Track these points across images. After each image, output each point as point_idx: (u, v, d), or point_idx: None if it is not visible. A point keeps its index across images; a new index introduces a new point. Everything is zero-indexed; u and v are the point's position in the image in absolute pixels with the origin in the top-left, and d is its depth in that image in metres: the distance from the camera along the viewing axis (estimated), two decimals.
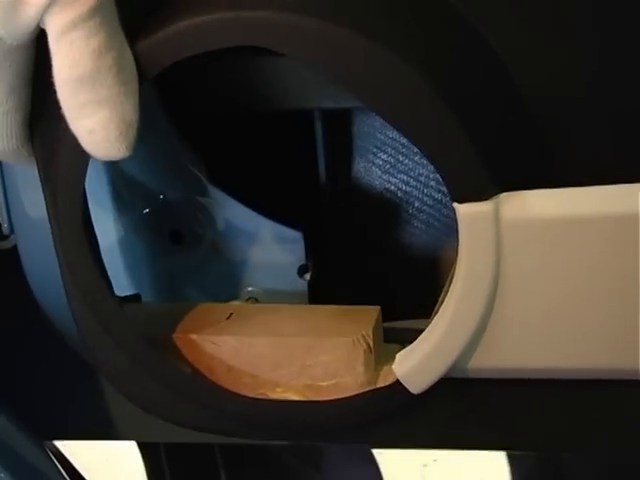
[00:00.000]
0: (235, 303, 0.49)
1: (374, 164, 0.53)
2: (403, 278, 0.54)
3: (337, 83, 0.34)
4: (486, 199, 0.35)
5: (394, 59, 0.33)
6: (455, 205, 0.35)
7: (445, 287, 0.39)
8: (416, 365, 0.39)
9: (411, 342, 0.41)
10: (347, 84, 0.34)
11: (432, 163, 0.35)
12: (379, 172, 0.53)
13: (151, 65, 0.36)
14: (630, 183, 0.34)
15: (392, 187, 0.53)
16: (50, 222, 0.41)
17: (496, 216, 0.35)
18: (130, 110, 0.34)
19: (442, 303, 0.38)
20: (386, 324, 0.46)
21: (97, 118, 0.33)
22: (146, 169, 0.48)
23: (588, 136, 0.35)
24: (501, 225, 0.35)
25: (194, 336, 0.44)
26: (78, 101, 0.33)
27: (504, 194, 0.35)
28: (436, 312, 0.39)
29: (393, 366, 0.40)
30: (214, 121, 0.51)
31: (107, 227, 0.49)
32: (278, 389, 0.43)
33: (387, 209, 0.54)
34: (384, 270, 0.54)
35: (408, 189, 0.53)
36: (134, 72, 0.35)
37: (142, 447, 0.74)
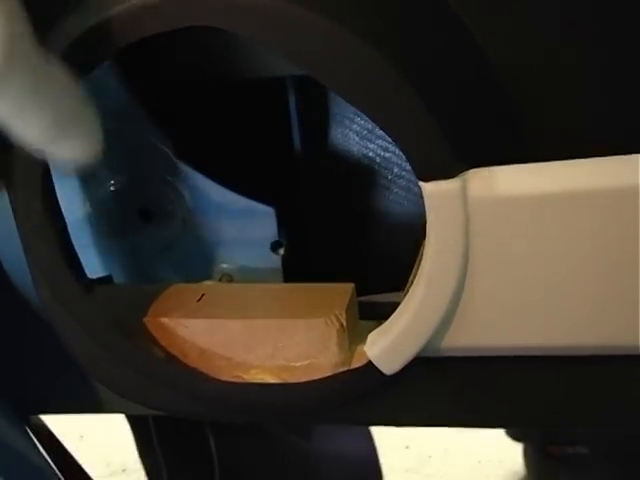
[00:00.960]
0: (207, 283, 0.47)
1: (351, 130, 0.52)
2: (383, 246, 0.53)
3: (293, 63, 0.33)
4: (453, 177, 0.33)
5: (351, 37, 0.32)
6: (421, 184, 0.34)
7: (415, 266, 0.38)
8: (387, 346, 0.38)
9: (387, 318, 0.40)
10: (303, 64, 0.33)
11: (395, 141, 0.33)
12: (356, 138, 0.52)
13: (105, 46, 0.34)
14: (603, 157, 0.33)
15: (370, 153, 0.52)
16: (10, 202, 0.40)
17: (463, 194, 0.34)
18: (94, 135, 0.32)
19: (412, 283, 0.37)
20: (363, 298, 0.45)
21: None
22: (112, 146, 0.47)
23: (558, 109, 0.33)
24: (469, 203, 0.34)
25: (165, 319, 0.43)
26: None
27: (472, 171, 0.34)
28: (407, 292, 0.38)
29: (365, 347, 0.39)
30: (181, 94, 0.49)
31: (74, 205, 0.47)
32: (252, 371, 0.42)
33: (365, 176, 0.52)
34: (363, 239, 0.53)
35: (387, 155, 0.51)
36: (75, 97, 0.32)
37: (130, 418, 0.73)
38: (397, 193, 0.52)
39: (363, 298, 0.45)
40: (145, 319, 0.43)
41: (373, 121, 0.33)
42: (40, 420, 0.56)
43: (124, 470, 1.24)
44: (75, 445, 1.27)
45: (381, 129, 0.33)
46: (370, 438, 0.84)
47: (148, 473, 0.82)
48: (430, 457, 1.13)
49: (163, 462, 0.76)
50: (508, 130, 0.34)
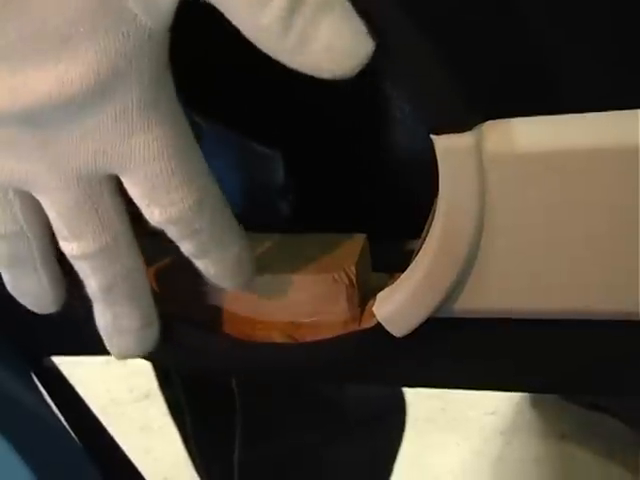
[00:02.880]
0: None
1: None
2: (401, 189, 0.50)
3: None
4: (467, 130, 0.30)
5: None
6: (432, 137, 0.31)
7: (428, 223, 0.35)
8: (397, 308, 0.36)
9: (403, 270, 0.37)
10: None
11: (401, 89, 0.30)
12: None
13: None
14: (632, 109, 0.29)
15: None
16: None
17: (479, 149, 0.30)
18: None
19: (424, 240, 0.35)
20: (378, 246, 0.43)
21: None
22: None
23: (587, 53, 0.30)
24: (485, 158, 0.31)
25: None
26: None
27: (488, 123, 0.31)
28: (419, 249, 0.35)
29: (373, 308, 0.37)
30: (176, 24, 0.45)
31: None
32: (258, 326, 0.40)
33: (379, 111, 0.49)
34: (378, 182, 0.50)
35: None
36: None
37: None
38: (414, 129, 0.49)
39: (378, 247, 0.43)
40: (147, 270, 0.41)
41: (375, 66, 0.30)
42: (52, 362, 0.55)
43: (147, 396, 1.25)
44: (99, 371, 1.29)
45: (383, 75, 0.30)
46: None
47: (168, 402, 0.82)
48: None
49: (184, 400, 0.75)
50: (528, 78, 0.30)
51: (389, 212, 0.49)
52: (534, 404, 1.05)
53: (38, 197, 0.33)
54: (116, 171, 0.32)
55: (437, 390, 1.12)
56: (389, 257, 0.42)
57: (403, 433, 0.84)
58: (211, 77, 0.47)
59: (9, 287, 0.37)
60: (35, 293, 0.37)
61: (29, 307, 0.38)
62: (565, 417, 1.04)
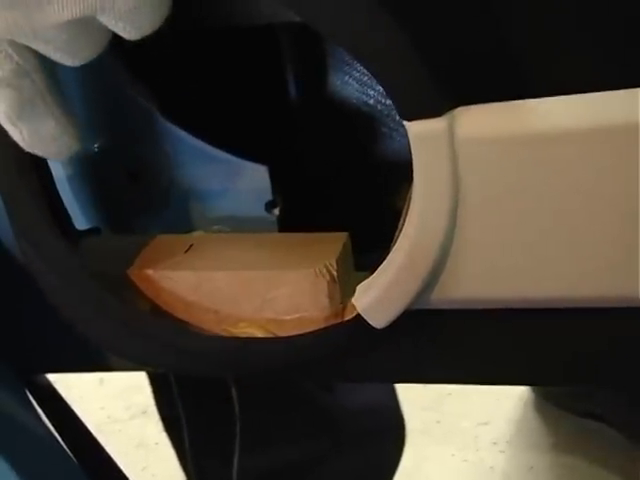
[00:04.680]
0: (196, 234, 0.45)
1: (351, 77, 0.49)
2: (387, 199, 0.50)
3: None
4: (439, 115, 0.31)
5: None
6: (405, 123, 0.31)
7: (403, 214, 0.36)
8: (376, 299, 0.36)
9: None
10: None
11: (374, 77, 0.31)
12: (356, 85, 0.49)
13: None
14: (603, 91, 0.30)
15: (371, 101, 0.49)
16: None
17: (451, 134, 0.31)
18: None
19: (400, 231, 0.35)
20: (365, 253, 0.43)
21: None
22: (92, 104, 0.44)
23: (556, 37, 0.30)
24: (457, 143, 0.31)
25: (150, 271, 0.41)
26: None
27: (460, 108, 0.31)
28: (395, 241, 0.36)
29: (353, 300, 0.37)
30: (163, 46, 0.46)
31: (54, 166, 0.44)
32: (241, 324, 0.41)
33: (366, 125, 0.49)
34: (365, 192, 0.50)
35: (388, 102, 0.48)
36: None
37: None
38: (400, 142, 0.49)
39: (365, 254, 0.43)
40: (130, 271, 0.41)
41: (350, 54, 0.31)
42: (47, 380, 0.55)
43: (144, 413, 1.24)
44: (95, 389, 1.28)
45: (357, 62, 0.31)
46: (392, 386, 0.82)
47: (164, 420, 0.81)
48: (450, 394, 1.12)
49: (183, 414, 0.75)
50: (499, 64, 0.31)
51: (376, 221, 0.49)
52: (528, 413, 1.05)
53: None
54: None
55: (431, 402, 1.12)
56: (372, 257, 0.43)
57: (402, 450, 0.83)
58: (201, 96, 0.48)
59: (28, 143, 0.36)
60: (53, 132, 0.36)
61: (50, 154, 0.37)
62: (560, 426, 1.03)
